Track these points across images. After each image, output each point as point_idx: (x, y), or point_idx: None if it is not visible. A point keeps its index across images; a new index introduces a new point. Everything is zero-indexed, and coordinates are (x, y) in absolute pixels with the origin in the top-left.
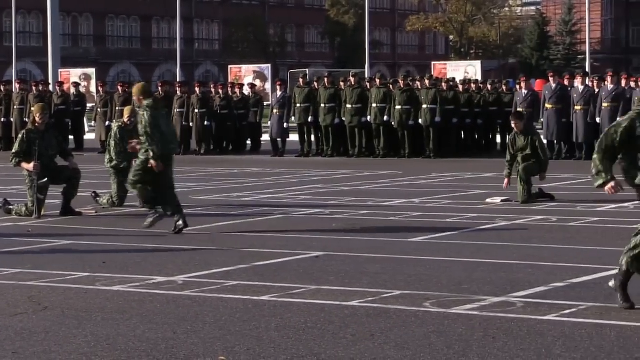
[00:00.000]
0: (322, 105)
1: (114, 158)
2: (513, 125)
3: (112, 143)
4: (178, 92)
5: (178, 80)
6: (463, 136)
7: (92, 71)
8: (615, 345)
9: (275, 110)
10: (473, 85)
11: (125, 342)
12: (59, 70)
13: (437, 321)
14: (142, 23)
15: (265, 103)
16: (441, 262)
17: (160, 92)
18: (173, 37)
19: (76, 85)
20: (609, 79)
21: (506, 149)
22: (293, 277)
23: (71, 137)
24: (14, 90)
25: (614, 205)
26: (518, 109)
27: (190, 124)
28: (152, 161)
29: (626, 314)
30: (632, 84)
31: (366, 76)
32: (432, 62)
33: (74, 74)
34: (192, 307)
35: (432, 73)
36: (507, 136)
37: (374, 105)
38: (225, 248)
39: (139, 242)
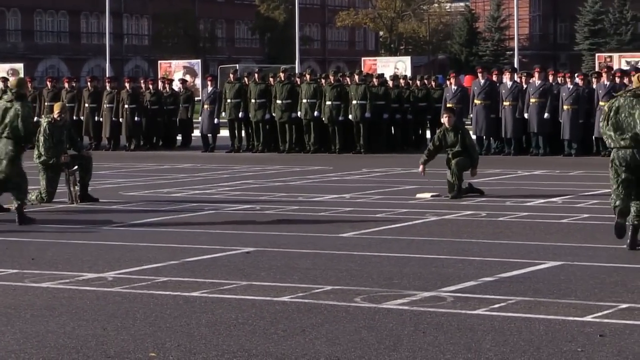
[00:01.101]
0: (253, 100)
1: (42, 154)
2: (445, 120)
3: (41, 139)
4: (107, 88)
5: (107, 75)
6: (393, 132)
7: (20, 66)
8: (544, 339)
9: (205, 106)
10: (402, 81)
11: (54, 339)
12: None
13: (367, 316)
14: (70, 18)
15: (195, 98)
16: (372, 257)
17: (90, 87)
18: (102, 32)
19: (4, 80)
20: (536, 74)
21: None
22: (224, 272)
23: None
24: None
25: (542, 200)
26: (448, 105)
27: (120, 119)
28: None
29: (554, 308)
30: (560, 80)
31: (296, 72)
32: (362, 58)
33: (2, 69)
34: (122, 304)
35: (362, 69)
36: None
37: (304, 100)
38: (156, 244)
39: (69, 239)
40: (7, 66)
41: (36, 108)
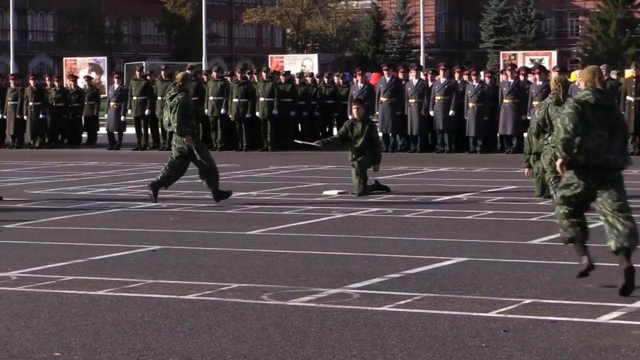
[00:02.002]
0: (159, 98)
1: None
2: (354, 111)
3: None
4: (11, 85)
5: (11, 72)
6: (300, 129)
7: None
8: (449, 335)
9: (111, 103)
10: (309, 79)
11: None
12: None
13: (274, 313)
14: None
15: (101, 96)
16: (279, 255)
17: None
18: (6, 28)
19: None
20: (441, 72)
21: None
22: (130, 271)
23: None
24: None
25: (447, 197)
26: None
27: (25, 117)
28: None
29: (459, 304)
30: (465, 78)
31: (203, 69)
32: (269, 55)
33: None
34: (27, 303)
35: (269, 66)
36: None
37: (211, 98)
38: (61, 243)
39: None
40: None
41: None
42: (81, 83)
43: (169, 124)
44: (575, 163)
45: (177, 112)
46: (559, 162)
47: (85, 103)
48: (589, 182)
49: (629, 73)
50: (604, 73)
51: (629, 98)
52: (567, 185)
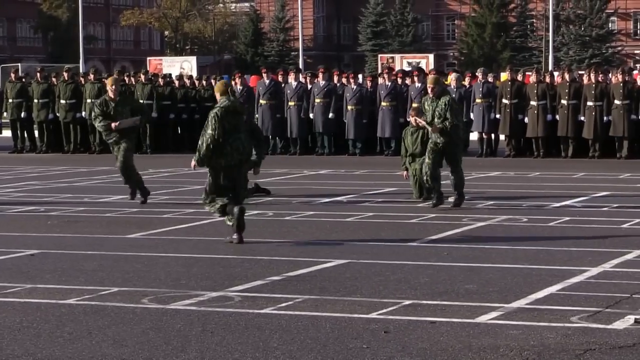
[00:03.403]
0: (36, 100)
1: None
2: None
3: None
4: None
5: None
6: (180, 131)
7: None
8: (330, 337)
9: None
10: (188, 81)
11: None
12: None
13: (155, 317)
14: None
15: None
16: (159, 258)
17: None
18: None
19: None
20: (320, 75)
21: None
22: (7, 276)
23: None
24: None
25: (328, 199)
26: None
27: None
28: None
29: (340, 306)
30: (344, 80)
31: (80, 71)
32: (148, 58)
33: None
34: None
35: (148, 68)
36: None
37: (89, 100)
38: None
39: None
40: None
41: None
42: None
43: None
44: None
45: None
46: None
47: None
48: None
49: (504, 76)
50: (480, 76)
51: (504, 101)
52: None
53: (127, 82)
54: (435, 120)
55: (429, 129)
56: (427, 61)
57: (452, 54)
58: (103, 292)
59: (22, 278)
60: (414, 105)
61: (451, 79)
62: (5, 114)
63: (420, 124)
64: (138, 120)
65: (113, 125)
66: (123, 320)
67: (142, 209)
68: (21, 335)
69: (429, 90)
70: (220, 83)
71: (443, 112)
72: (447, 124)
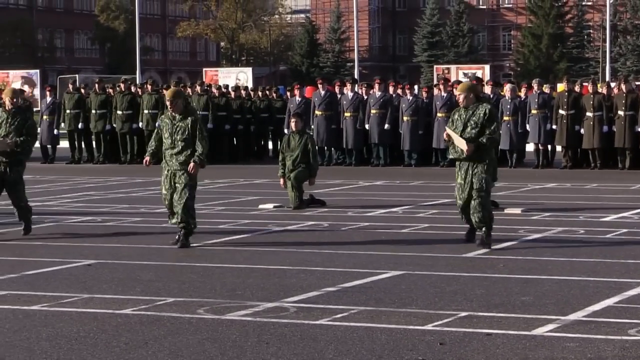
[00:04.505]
0: (93, 111)
1: None
2: (292, 124)
3: None
4: None
5: None
6: (235, 142)
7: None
8: (386, 348)
9: (44, 117)
10: (244, 92)
11: None
12: None
13: (211, 328)
14: None
15: (34, 109)
16: (215, 269)
17: None
18: None
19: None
20: (376, 86)
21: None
22: (65, 285)
23: None
24: None
25: (383, 210)
26: None
27: None
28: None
29: (396, 318)
30: (399, 91)
31: (137, 82)
32: (204, 69)
33: None
34: None
35: (204, 79)
36: (279, 141)
37: (146, 111)
38: None
39: None
40: None
41: None
42: None
43: None
44: None
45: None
46: None
47: None
48: None
49: (560, 87)
50: (536, 87)
51: (561, 112)
52: None
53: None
54: (468, 130)
55: (460, 145)
56: (483, 72)
57: (508, 64)
58: (159, 303)
59: (79, 288)
60: None
61: (506, 89)
62: (63, 124)
63: (450, 138)
64: (13, 144)
65: None
66: (179, 331)
67: (197, 219)
68: (78, 345)
69: (459, 99)
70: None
71: (480, 122)
72: (485, 139)
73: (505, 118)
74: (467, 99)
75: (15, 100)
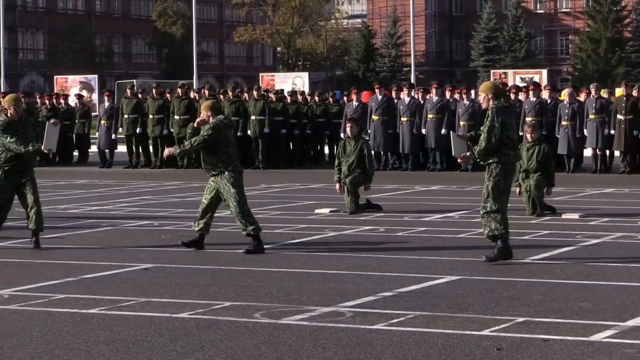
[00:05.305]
0: (151, 116)
1: None
2: (348, 129)
3: None
4: (2, 103)
5: (2, 90)
6: (292, 147)
7: None
8: (442, 353)
9: (102, 122)
10: (301, 97)
11: None
12: None
13: (267, 332)
14: None
15: (92, 114)
16: (271, 273)
17: None
18: None
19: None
20: (433, 90)
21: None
22: (122, 289)
23: None
24: None
25: (439, 215)
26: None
27: None
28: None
29: (452, 323)
30: (457, 96)
31: (194, 87)
32: (260, 74)
33: None
34: (19, 322)
35: (260, 84)
36: (335, 146)
37: None
38: (53, 261)
39: None
40: None
41: None
42: (72, 101)
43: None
44: None
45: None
46: None
47: (77, 121)
48: None
49: (619, 92)
50: (593, 92)
51: (619, 117)
52: None
53: (240, 97)
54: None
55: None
56: (540, 76)
57: (565, 69)
58: (216, 306)
59: (136, 292)
60: (528, 119)
61: (565, 94)
62: (120, 129)
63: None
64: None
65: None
66: (236, 335)
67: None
68: (135, 349)
69: (481, 101)
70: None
71: (483, 129)
72: (477, 149)
73: (564, 123)
74: (485, 100)
75: (19, 109)
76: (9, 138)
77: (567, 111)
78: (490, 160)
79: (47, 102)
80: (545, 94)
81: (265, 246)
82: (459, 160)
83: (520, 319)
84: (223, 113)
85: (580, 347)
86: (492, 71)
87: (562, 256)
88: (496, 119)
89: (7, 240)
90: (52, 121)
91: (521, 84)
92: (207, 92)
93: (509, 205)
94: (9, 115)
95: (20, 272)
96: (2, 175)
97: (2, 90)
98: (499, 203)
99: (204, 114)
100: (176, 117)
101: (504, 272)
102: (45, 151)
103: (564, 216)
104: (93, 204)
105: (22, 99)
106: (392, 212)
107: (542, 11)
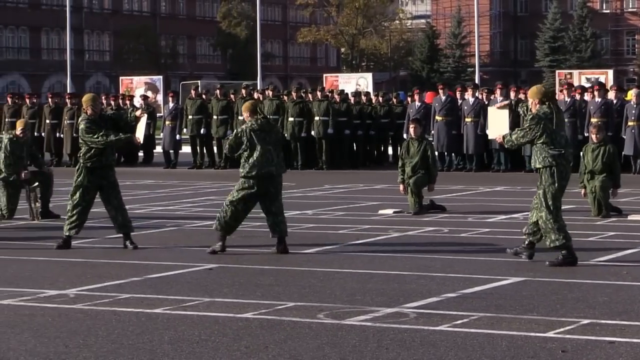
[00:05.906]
0: (215, 117)
1: (3, 170)
2: (411, 130)
3: (2, 155)
4: (68, 104)
5: (68, 91)
6: (355, 147)
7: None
8: (507, 355)
9: (167, 122)
10: (364, 97)
11: (16, 356)
12: None
13: (330, 332)
14: (31, 34)
15: (157, 115)
16: (334, 274)
17: (51, 104)
18: (63, 47)
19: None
20: (498, 91)
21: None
22: (186, 289)
23: None
24: None
25: (504, 216)
26: None
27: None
28: None
29: (517, 324)
30: (521, 96)
31: (258, 88)
32: (324, 74)
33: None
34: (84, 321)
35: (324, 85)
36: (399, 147)
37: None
38: (118, 261)
39: (30, 256)
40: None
41: None
42: (137, 102)
43: None
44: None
45: None
46: None
47: None
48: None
49: (629, 95)
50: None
51: (630, 123)
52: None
53: (304, 98)
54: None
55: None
56: (606, 77)
57: (632, 69)
58: (279, 307)
59: (200, 292)
60: (593, 120)
61: (632, 94)
62: (185, 130)
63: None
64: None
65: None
66: (299, 335)
67: (316, 224)
68: (199, 349)
69: (530, 106)
70: (249, 103)
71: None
72: (507, 137)
73: (630, 123)
74: (532, 105)
75: (97, 107)
76: (94, 135)
77: (634, 112)
78: (539, 166)
79: (112, 102)
80: (611, 95)
81: (329, 247)
82: (495, 137)
83: (586, 321)
84: (260, 113)
85: None
86: (557, 71)
87: (628, 258)
88: (536, 127)
89: (72, 240)
90: (138, 112)
91: (587, 85)
92: (270, 92)
93: (573, 206)
94: (88, 114)
95: (86, 271)
96: (84, 173)
97: (69, 92)
98: (552, 211)
99: (244, 115)
100: (240, 118)
101: (569, 274)
102: (140, 141)
103: (630, 217)
104: (158, 204)
105: (101, 97)
106: (456, 213)
107: (608, 11)
